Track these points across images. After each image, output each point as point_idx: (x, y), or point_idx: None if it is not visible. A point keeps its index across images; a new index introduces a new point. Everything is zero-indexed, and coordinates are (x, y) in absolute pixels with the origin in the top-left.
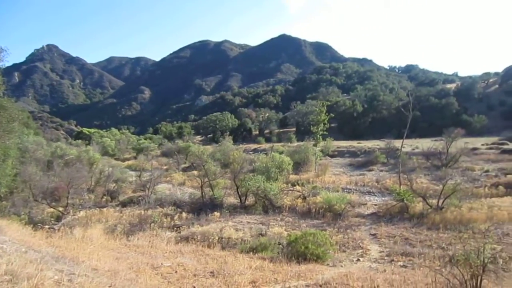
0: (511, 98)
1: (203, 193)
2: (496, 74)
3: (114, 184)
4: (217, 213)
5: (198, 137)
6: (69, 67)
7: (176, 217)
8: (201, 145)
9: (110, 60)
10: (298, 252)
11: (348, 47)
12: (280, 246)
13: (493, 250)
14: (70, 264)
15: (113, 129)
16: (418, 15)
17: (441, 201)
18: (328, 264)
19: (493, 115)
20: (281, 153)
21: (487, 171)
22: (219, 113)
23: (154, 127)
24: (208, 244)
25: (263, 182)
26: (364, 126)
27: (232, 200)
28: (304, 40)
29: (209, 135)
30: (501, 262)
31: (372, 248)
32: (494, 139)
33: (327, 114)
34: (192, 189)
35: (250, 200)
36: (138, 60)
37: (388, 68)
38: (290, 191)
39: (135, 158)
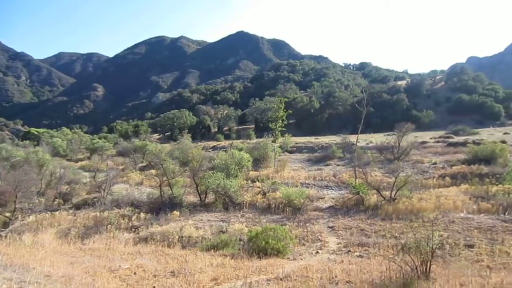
0: (456, 95)
1: (162, 192)
2: (442, 71)
3: (67, 186)
4: (176, 212)
5: (156, 135)
6: (13, 63)
7: (134, 217)
8: (159, 143)
9: (59, 56)
10: (259, 248)
11: (304, 45)
12: (241, 242)
13: (440, 237)
14: (20, 271)
15: (64, 128)
16: (369, 15)
17: (393, 192)
18: (288, 258)
19: (440, 110)
20: (240, 150)
21: (435, 163)
22: (176, 110)
23: (109, 126)
24: (168, 244)
25: (223, 179)
26: (321, 122)
27: (192, 198)
28: (262, 37)
29: (167, 133)
30: (448, 248)
31: (330, 240)
32: (441, 133)
33: (285, 110)
34: (150, 188)
35: (210, 197)
36: (90, 56)
37: (343, 65)
38: (250, 188)
39: (89, 158)
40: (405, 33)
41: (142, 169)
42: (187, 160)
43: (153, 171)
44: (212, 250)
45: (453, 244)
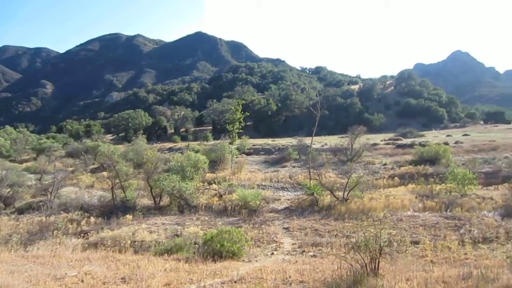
0: (404, 99)
1: (114, 196)
2: (392, 77)
3: (9, 189)
4: (129, 216)
5: (109, 136)
6: None
7: (83, 222)
8: (112, 144)
9: (3, 49)
10: (214, 251)
11: (262, 48)
12: (196, 245)
13: (389, 235)
14: None
15: (7, 127)
16: (324, 21)
17: (346, 193)
18: (243, 260)
19: (390, 114)
20: (197, 151)
21: (385, 164)
22: (131, 110)
23: (58, 125)
24: (119, 249)
25: (179, 181)
26: (278, 124)
27: (146, 201)
28: (220, 39)
29: (121, 134)
30: (395, 245)
31: (285, 241)
32: (391, 135)
33: (242, 112)
34: (102, 191)
35: (165, 200)
36: (38, 50)
37: (299, 69)
38: (206, 190)
39: (35, 159)
40: (358, 39)
41: (93, 171)
42: (142, 162)
43: (105, 173)
44: (166, 254)
45: (400, 241)
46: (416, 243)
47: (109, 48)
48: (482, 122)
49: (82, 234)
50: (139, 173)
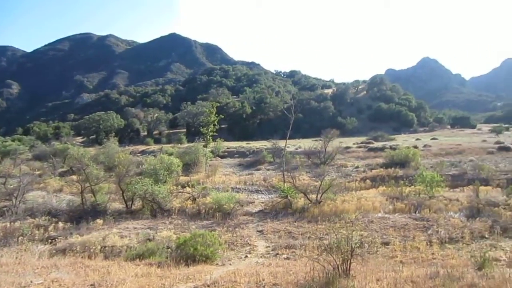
0: (376, 103)
1: (84, 200)
2: (364, 82)
3: None
4: (100, 221)
5: (79, 138)
6: None
7: (51, 227)
8: (82, 147)
9: None
10: (187, 255)
11: (237, 51)
12: (169, 250)
13: (360, 237)
14: None
15: None
16: (298, 25)
17: (319, 195)
18: (217, 264)
19: (362, 118)
20: (170, 154)
21: (357, 167)
22: (103, 112)
23: (24, 127)
24: (89, 254)
25: (151, 185)
26: (252, 127)
27: (118, 205)
28: (195, 41)
29: (92, 136)
30: (366, 246)
31: (259, 244)
32: (363, 138)
33: (217, 115)
34: (71, 195)
35: (137, 204)
36: (3, 49)
37: (274, 72)
38: (180, 193)
39: None
40: (331, 44)
41: (62, 175)
42: (113, 165)
43: (74, 177)
44: (138, 259)
45: (371, 242)
46: (386, 244)
47: (79, 48)
48: (449, 127)
49: (49, 240)
50: (110, 176)
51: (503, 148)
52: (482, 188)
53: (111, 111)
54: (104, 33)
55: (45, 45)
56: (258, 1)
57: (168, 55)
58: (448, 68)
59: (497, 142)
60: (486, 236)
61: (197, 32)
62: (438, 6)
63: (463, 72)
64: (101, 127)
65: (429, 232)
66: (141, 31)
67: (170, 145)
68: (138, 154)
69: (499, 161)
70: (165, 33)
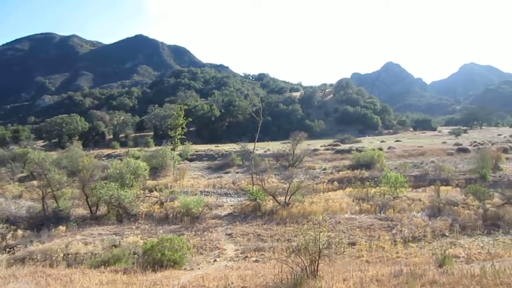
0: (342, 106)
1: (45, 206)
2: (331, 85)
3: None
4: (62, 227)
5: (40, 142)
6: None
7: (9, 236)
8: (44, 151)
9: None
10: (155, 260)
11: (206, 53)
12: (136, 255)
13: (328, 238)
14: None
15: None
16: (266, 28)
17: (288, 197)
18: (185, 269)
19: (329, 120)
20: (137, 158)
21: (324, 169)
22: (66, 115)
23: None
24: (50, 263)
25: (117, 189)
26: (221, 130)
27: (82, 211)
28: (162, 43)
29: (54, 140)
30: (334, 247)
31: (228, 247)
32: (330, 141)
33: (185, 118)
34: (31, 202)
35: (103, 209)
36: None
37: (243, 75)
38: (147, 198)
39: None
40: (299, 47)
41: (21, 180)
42: (77, 170)
43: (35, 182)
44: (103, 266)
45: (338, 243)
46: (353, 244)
47: (40, 48)
48: (412, 129)
49: (7, 249)
50: (73, 181)
51: (462, 150)
52: (442, 188)
53: (75, 114)
54: (67, 33)
55: (3, 45)
56: (227, 4)
57: (135, 57)
58: (410, 73)
59: (456, 144)
60: (447, 234)
61: (165, 34)
62: (401, 12)
63: (424, 77)
64: (64, 130)
65: (394, 231)
66: (106, 32)
67: (137, 148)
68: (104, 158)
69: (458, 162)
70: (131, 34)
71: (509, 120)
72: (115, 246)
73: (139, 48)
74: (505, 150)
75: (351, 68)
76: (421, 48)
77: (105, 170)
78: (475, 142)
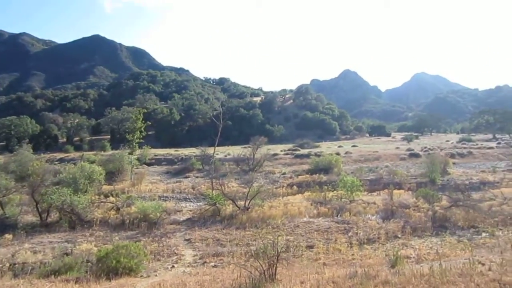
0: (302, 112)
1: None
2: (291, 91)
3: None
4: (9, 235)
5: None
6: None
7: None
8: None
9: None
10: (109, 268)
11: (166, 56)
12: (89, 263)
13: (286, 241)
14: None
15: None
16: (228, 33)
17: (247, 202)
18: (142, 276)
19: (289, 126)
20: (92, 162)
21: (284, 173)
22: (15, 117)
23: None
24: None
25: (70, 195)
26: (181, 134)
27: (31, 218)
28: (120, 44)
29: (1, 143)
30: (292, 250)
31: (186, 253)
32: (290, 145)
33: (144, 121)
34: None
35: (54, 216)
36: None
37: (203, 79)
38: (102, 203)
39: None
40: (260, 53)
41: None
42: (26, 174)
43: None
44: (53, 276)
45: (297, 246)
46: (311, 247)
47: None
48: (367, 135)
49: None
50: (22, 186)
51: (414, 155)
52: (395, 191)
53: (25, 116)
54: (16, 31)
55: None
56: (188, 7)
57: (91, 58)
58: (366, 80)
59: (408, 149)
60: (399, 235)
61: (124, 36)
62: (358, 22)
63: (379, 85)
64: (12, 133)
65: (350, 234)
66: (60, 31)
67: (93, 152)
68: (56, 162)
69: (410, 167)
70: (87, 34)
71: (456, 127)
72: (67, 254)
73: (96, 49)
74: (452, 156)
75: (311, 74)
76: (377, 57)
77: (58, 175)
78: (425, 147)
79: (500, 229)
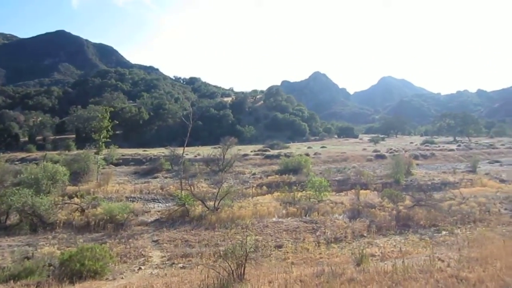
0: (272, 113)
1: None
2: (262, 92)
3: None
4: None
5: None
6: None
7: None
8: None
9: None
10: (73, 271)
11: (134, 54)
12: (52, 267)
13: (255, 241)
14: None
15: None
16: (197, 31)
17: (217, 202)
18: (107, 279)
19: (259, 126)
20: (56, 162)
21: (254, 174)
22: None
23: None
24: None
25: (31, 196)
26: (150, 134)
27: None
28: (87, 40)
29: None
30: (261, 250)
31: (154, 254)
32: (260, 146)
33: (111, 120)
34: None
35: (14, 218)
36: None
37: (173, 78)
38: (66, 205)
39: None
40: (230, 53)
41: None
42: None
43: None
44: (12, 281)
45: (265, 246)
46: (279, 246)
47: None
48: (336, 136)
49: None
50: None
51: (380, 156)
52: (362, 191)
53: None
54: None
55: None
56: (157, 4)
57: (56, 54)
58: (335, 83)
59: (375, 151)
60: (365, 234)
61: (91, 32)
62: (327, 24)
63: (348, 87)
64: None
65: (318, 233)
66: (23, 25)
67: (57, 152)
68: (17, 162)
69: (376, 167)
70: (52, 29)
71: (420, 130)
72: (28, 258)
73: (61, 45)
74: (416, 157)
75: (282, 75)
76: (345, 59)
77: (18, 175)
78: (391, 149)
79: (459, 227)
